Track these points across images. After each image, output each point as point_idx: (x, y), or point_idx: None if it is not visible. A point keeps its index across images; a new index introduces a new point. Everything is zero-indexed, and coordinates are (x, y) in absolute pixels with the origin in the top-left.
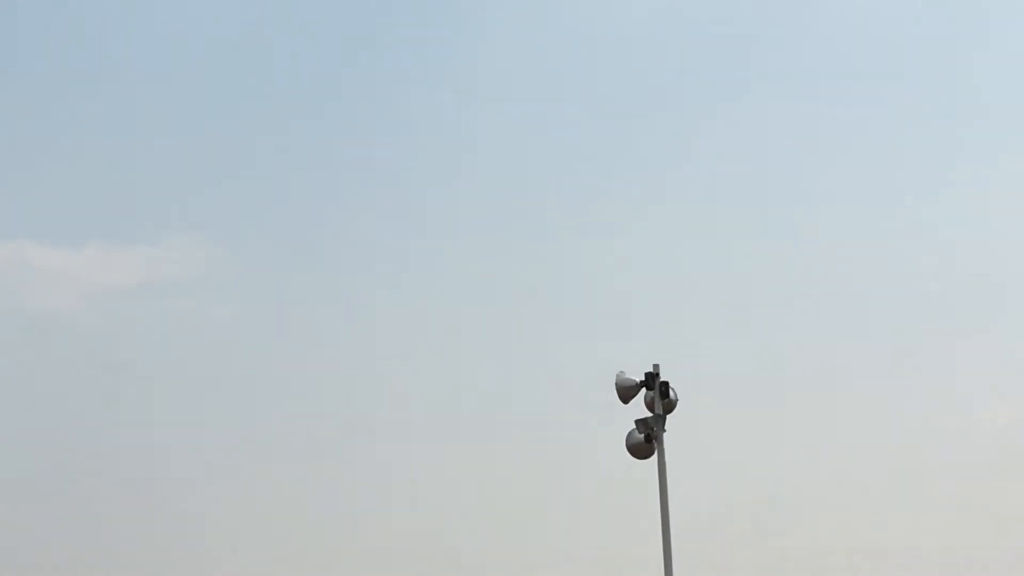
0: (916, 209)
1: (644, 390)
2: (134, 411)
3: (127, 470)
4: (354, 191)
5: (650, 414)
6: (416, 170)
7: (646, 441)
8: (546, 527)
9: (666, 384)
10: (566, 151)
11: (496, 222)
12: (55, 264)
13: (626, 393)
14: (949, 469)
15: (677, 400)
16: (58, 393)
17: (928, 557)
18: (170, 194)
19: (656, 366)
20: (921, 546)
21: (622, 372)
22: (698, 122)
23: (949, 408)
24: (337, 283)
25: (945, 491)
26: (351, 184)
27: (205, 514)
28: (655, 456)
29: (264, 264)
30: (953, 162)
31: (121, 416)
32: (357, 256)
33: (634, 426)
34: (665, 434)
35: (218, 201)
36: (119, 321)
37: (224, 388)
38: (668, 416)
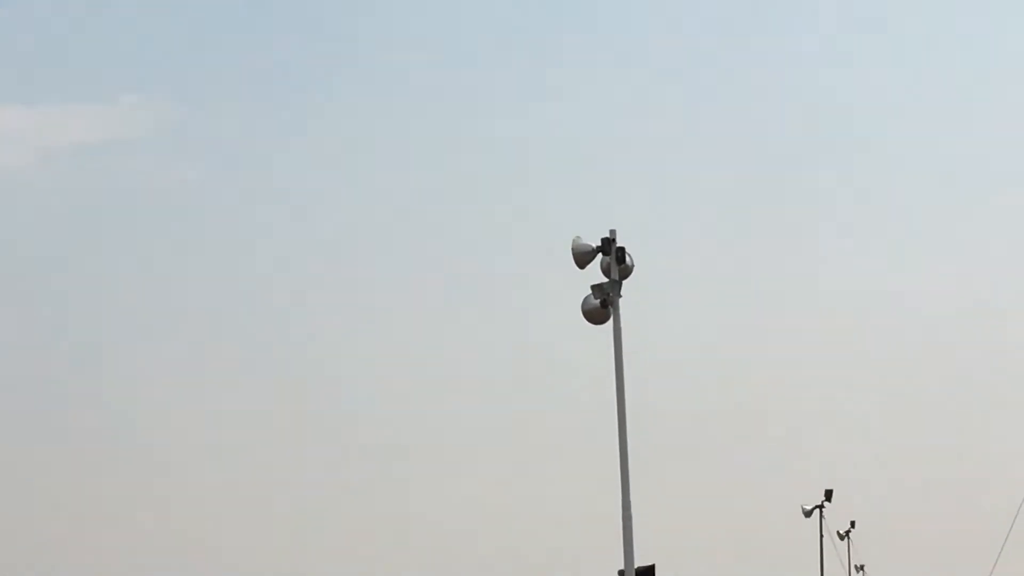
0: None
1: (600, 256)
2: (93, 267)
3: (84, 328)
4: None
5: (606, 280)
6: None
7: (602, 307)
8: (499, 385)
9: (622, 250)
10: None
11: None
12: (11, 122)
13: (582, 259)
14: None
15: (633, 266)
16: (17, 248)
17: (871, 417)
18: (130, 53)
19: (612, 231)
20: (869, 404)
21: (578, 237)
22: None
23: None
24: (309, 145)
25: (899, 354)
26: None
27: (153, 375)
28: (611, 322)
29: (229, 125)
30: None
31: (79, 272)
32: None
33: (590, 291)
34: (621, 300)
35: (181, 62)
36: (78, 179)
37: (186, 246)
38: (624, 282)
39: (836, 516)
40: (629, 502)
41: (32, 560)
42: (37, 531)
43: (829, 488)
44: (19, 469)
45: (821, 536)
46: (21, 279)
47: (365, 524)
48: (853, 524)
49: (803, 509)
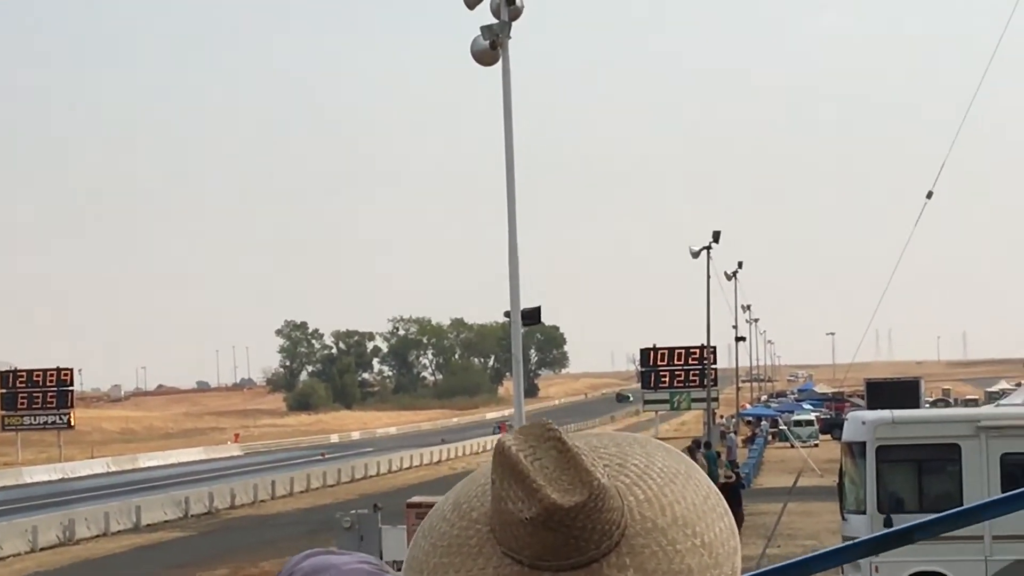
0: None
1: None
2: None
3: None
4: None
5: (496, 20)
6: None
7: (491, 48)
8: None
9: None
10: None
11: None
12: None
13: None
14: None
15: (523, 7)
16: None
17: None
18: None
19: None
20: (758, 153)
21: None
22: None
23: None
24: None
25: None
26: None
27: None
28: (499, 63)
29: None
30: None
31: None
32: None
33: (479, 32)
34: (510, 41)
35: None
36: None
37: None
38: (514, 23)
39: (724, 257)
40: (516, 244)
41: None
42: None
43: (717, 230)
44: None
45: (708, 276)
46: None
47: None
48: (740, 265)
49: (691, 250)
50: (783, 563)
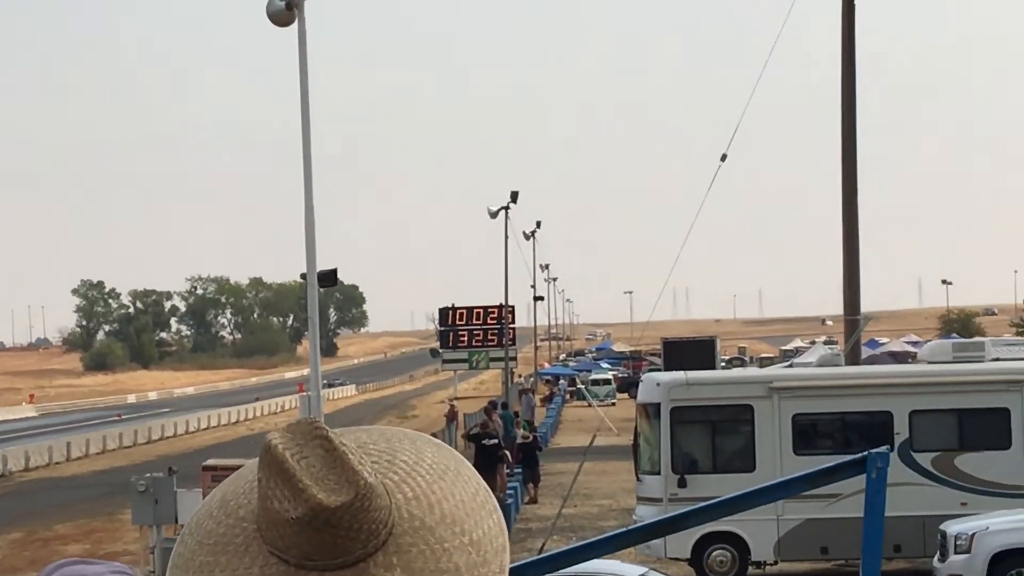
0: None
1: None
2: None
3: None
4: None
5: None
6: None
7: (287, 9)
8: None
9: None
10: None
11: None
12: None
13: None
14: None
15: None
16: None
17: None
18: None
19: None
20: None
21: None
22: None
23: None
24: None
25: None
26: None
27: None
28: (295, 24)
29: None
30: None
31: None
32: None
33: None
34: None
35: None
36: None
37: None
38: None
39: (523, 217)
40: (312, 206)
41: None
42: None
43: (515, 190)
44: None
45: (506, 237)
46: None
47: None
48: (539, 224)
49: (489, 210)
50: (556, 551)
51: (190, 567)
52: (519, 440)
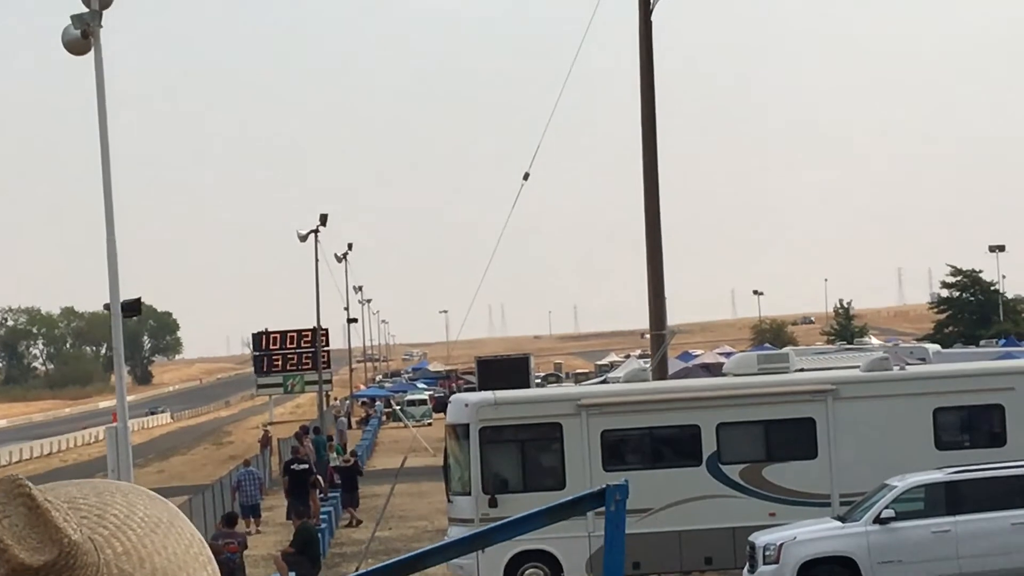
0: None
1: None
2: None
3: None
4: None
5: (87, 9)
6: None
7: (83, 37)
8: None
9: None
10: None
11: None
12: None
13: None
14: None
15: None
16: None
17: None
18: None
19: None
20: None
21: None
22: None
23: None
24: None
25: None
26: None
27: None
28: (91, 53)
29: None
30: None
31: None
32: None
33: (69, 22)
34: (102, 30)
35: None
36: None
37: None
38: (105, 12)
39: (335, 239)
40: (114, 239)
41: None
42: None
43: (324, 212)
44: None
45: (316, 259)
46: None
47: None
48: (350, 247)
49: (298, 234)
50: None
51: None
52: (339, 463)
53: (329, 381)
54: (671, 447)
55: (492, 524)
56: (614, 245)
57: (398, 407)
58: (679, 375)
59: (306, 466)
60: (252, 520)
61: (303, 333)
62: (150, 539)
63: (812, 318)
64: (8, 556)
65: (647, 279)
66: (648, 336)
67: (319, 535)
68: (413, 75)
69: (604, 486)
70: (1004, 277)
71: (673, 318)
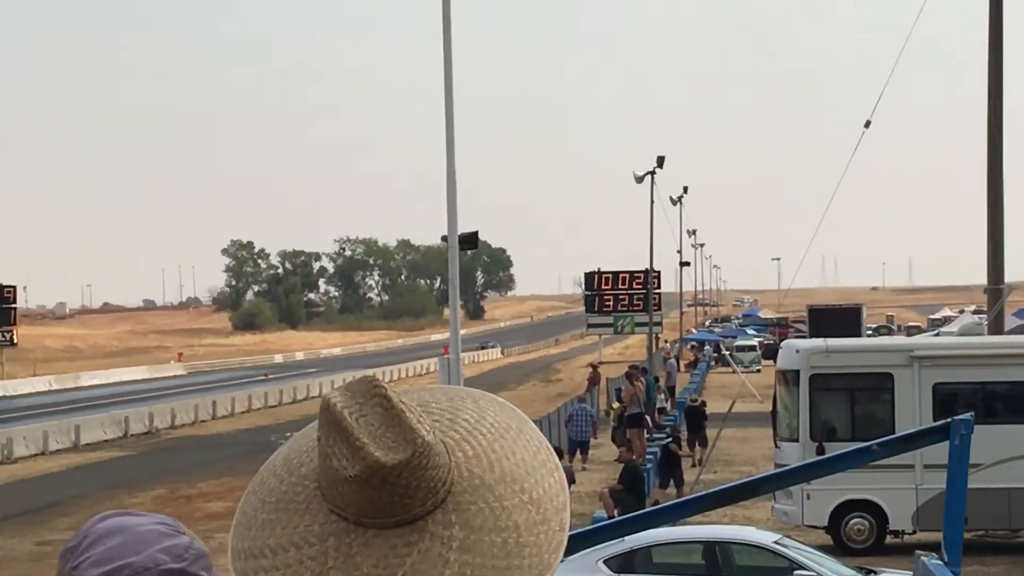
0: None
1: None
2: None
3: None
4: None
5: None
6: None
7: None
8: None
9: None
10: None
11: None
12: None
13: None
14: None
15: None
16: None
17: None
18: None
19: None
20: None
21: None
22: None
23: None
24: None
25: None
26: None
27: None
28: None
29: None
30: None
31: None
32: None
33: None
34: None
35: None
36: None
37: None
38: None
39: (670, 182)
40: (454, 169)
41: None
42: None
43: (661, 155)
44: None
45: (652, 202)
46: None
47: None
48: (686, 190)
49: (635, 175)
50: (610, 520)
51: (252, 524)
52: (688, 404)
53: (659, 323)
54: (1004, 403)
55: (830, 455)
56: (953, 195)
57: (727, 352)
58: (1015, 332)
59: (638, 412)
60: (580, 456)
61: (635, 275)
62: (499, 444)
63: None
64: (364, 454)
65: (986, 230)
66: (986, 292)
67: (645, 474)
68: (754, 24)
69: (949, 419)
70: None
71: (1013, 274)
